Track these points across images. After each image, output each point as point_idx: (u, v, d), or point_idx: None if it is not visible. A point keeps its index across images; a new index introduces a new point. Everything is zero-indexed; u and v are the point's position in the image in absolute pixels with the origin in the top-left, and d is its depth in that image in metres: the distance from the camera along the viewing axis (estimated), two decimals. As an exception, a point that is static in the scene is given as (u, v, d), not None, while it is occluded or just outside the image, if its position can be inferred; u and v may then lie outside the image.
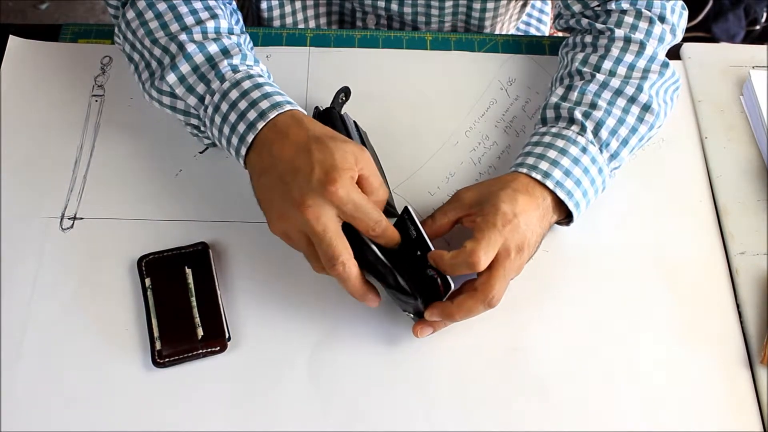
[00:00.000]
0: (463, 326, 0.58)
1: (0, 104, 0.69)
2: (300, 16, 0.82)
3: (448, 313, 0.55)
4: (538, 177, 0.58)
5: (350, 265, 0.53)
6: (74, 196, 0.64)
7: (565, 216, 0.61)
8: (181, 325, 0.57)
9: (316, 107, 0.65)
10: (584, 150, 0.60)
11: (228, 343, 0.57)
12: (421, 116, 0.70)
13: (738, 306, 0.61)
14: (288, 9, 0.80)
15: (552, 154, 0.59)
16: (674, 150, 0.69)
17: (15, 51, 0.73)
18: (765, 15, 1.67)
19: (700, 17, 1.66)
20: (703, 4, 1.66)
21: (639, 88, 0.62)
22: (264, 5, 0.79)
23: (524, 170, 0.59)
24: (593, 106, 0.61)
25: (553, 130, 0.61)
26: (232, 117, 0.57)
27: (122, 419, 0.54)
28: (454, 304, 0.55)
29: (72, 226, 0.63)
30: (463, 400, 0.56)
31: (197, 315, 0.58)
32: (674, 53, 0.76)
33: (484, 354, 0.58)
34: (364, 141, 0.63)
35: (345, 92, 0.67)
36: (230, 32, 0.62)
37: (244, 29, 0.68)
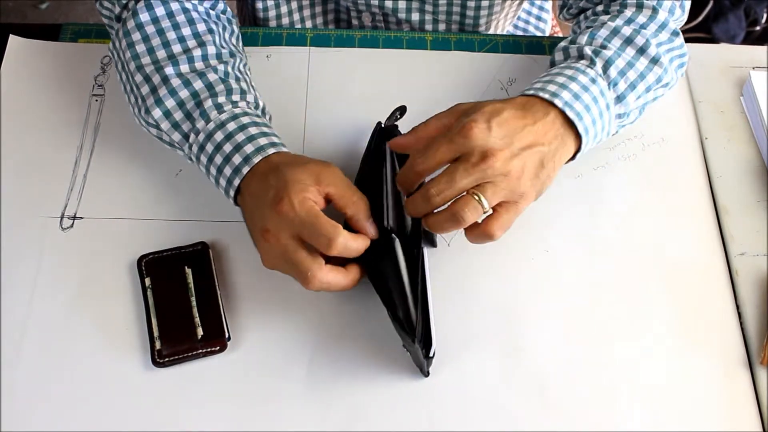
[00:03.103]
0: (462, 326, 0.59)
1: (0, 104, 0.69)
2: (296, 16, 0.82)
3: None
4: (546, 96, 0.56)
5: (321, 275, 0.52)
6: (74, 195, 0.64)
7: (574, 146, 0.58)
8: (180, 324, 0.57)
9: (379, 122, 0.64)
10: (593, 81, 0.58)
11: (228, 343, 0.57)
12: (422, 116, 0.69)
13: (738, 307, 0.61)
14: (284, 9, 0.80)
15: (560, 79, 0.58)
16: (674, 150, 0.69)
17: (15, 51, 0.73)
18: (765, 16, 1.67)
19: (700, 18, 1.66)
20: (703, 5, 1.66)
21: (648, 42, 0.61)
22: (260, 5, 0.79)
23: (530, 92, 0.58)
24: (603, 47, 0.61)
25: (562, 64, 0.61)
26: (218, 160, 0.57)
27: (122, 419, 0.54)
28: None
29: (72, 226, 0.63)
30: (462, 401, 0.56)
31: (197, 315, 0.58)
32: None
33: (484, 354, 0.58)
34: None
35: (401, 110, 0.67)
36: (218, 57, 0.61)
37: (239, 42, 0.68)
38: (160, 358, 0.56)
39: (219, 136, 0.57)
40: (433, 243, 0.63)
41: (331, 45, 0.75)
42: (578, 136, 0.57)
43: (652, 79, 0.61)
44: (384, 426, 0.55)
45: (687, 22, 0.68)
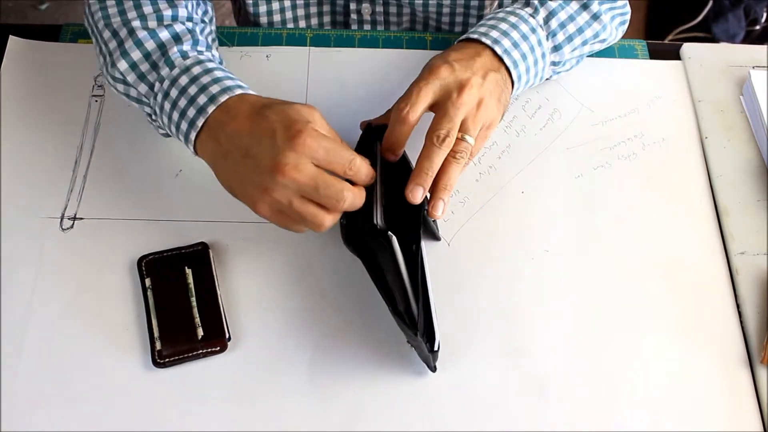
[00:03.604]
0: (462, 326, 0.59)
1: (0, 104, 0.69)
2: (289, 14, 0.81)
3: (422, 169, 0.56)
4: (488, 42, 0.62)
5: (352, 194, 0.53)
6: (74, 196, 0.64)
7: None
8: (181, 325, 0.57)
9: (368, 123, 0.64)
10: (533, 30, 0.64)
11: (228, 343, 0.57)
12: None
13: (738, 306, 0.61)
14: (276, 6, 0.79)
15: (503, 26, 0.63)
16: (674, 150, 0.69)
17: (15, 51, 0.73)
18: (765, 15, 1.67)
19: (700, 17, 1.66)
20: (703, 5, 1.66)
21: None
22: (250, 0, 0.78)
23: (474, 36, 0.62)
24: None
25: (508, 9, 0.65)
26: (182, 102, 0.56)
27: (122, 419, 0.54)
28: (420, 158, 0.57)
29: (72, 226, 0.63)
30: (462, 400, 0.56)
31: (197, 315, 0.58)
32: (674, 53, 0.76)
33: (484, 354, 0.58)
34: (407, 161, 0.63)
35: None
36: (188, 19, 0.62)
37: (210, 19, 0.67)
38: (161, 359, 0.56)
39: (184, 80, 0.56)
40: (435, 236, 0.63)
41: (331, 45, 0.75)
42: (510, 79, 0.63)
43: (590, 34, 0.67)
44: (384, 426, 0.55)
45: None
